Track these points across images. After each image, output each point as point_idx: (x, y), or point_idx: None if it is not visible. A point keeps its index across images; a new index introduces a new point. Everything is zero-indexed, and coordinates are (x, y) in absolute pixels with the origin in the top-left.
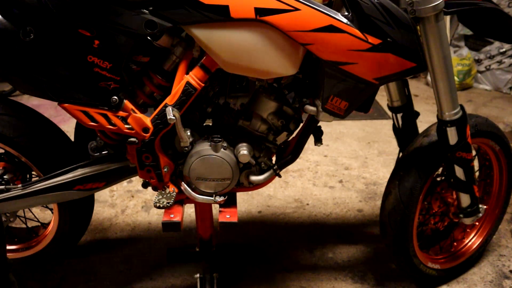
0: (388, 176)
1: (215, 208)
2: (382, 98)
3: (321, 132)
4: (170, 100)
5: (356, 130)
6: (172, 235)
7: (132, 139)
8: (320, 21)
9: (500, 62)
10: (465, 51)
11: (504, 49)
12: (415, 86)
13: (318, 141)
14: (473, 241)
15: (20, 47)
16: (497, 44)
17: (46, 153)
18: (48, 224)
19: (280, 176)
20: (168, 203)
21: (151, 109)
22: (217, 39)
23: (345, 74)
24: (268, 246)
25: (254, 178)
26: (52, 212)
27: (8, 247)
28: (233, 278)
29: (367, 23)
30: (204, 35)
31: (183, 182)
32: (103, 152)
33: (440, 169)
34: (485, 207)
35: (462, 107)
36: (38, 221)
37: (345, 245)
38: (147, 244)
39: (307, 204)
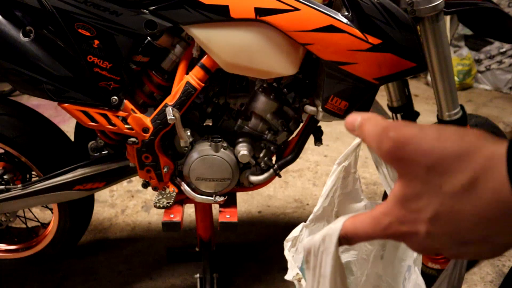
0: None
1: (215, 208)
2: (382, 98)
3: (321, 132)
4: (170, 100)
5: None
6: (172, 235)
7: (132, 139)
8: (320, 21)
9: (500, 62)
10: (465, 51)
11: (504, 49)
12: (415, 86)
13: (318, 141)
14: None
15: (20, 47)
16: (497, 44)
17: (46, 153)
18: (48, 224)
19: (280, 176)
20: (168, 203)
21: (151, 109)
22: (217, 39)
23: (345, 74)
24: (268, 246)
25: (254, 178)
26: (52, 212)
27: (8, 247)
28: (233, 278)
29: (367, 23)
30: (204, 35)
31: (183, 182)
32: (103, 152)
33: None
34: None
35: (462, 107)
36: (38, 221)
37: None
38: (147, 244)
39: (307, 204)
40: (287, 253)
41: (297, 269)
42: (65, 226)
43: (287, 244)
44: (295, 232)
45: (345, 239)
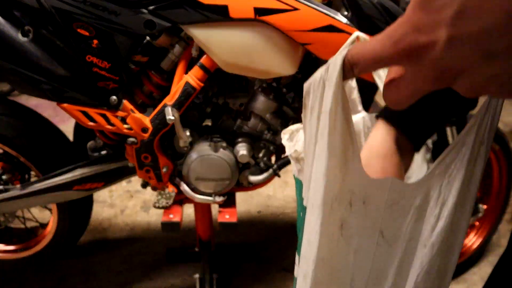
0: None
1: (215, 208)
2: (381, 98)
3: None
4: (169, 100)
5: None
6: (172, 235)
7: (131, 139)
8: (319, 20)
9: None
10: None
11: None
12: None
13: None
14: (473, 241)
15: (19, 47)
16: None
17: (45, 153)
18: (47, 224)
19: (279, 176)
20: (167, 203)
21: (150, 109)
22: (216, 39)
23: None
24: (268, 246)
25: (253, 178)
26: (51, 212)
27: (7, 248)
28: (232, 278)
29: (367, 23)
30: (203, 35)
31: (182, 182)
32: (102, 152)
33: None
34: (484, 207)
35: None
36: (37, 222)
37: None
38: (146, 244)
39: None
40: (284, 141)
41: (294, 148)
42: (64, 226)
43: (284, 136)
44: (293, 127)
45: (350, 67)
